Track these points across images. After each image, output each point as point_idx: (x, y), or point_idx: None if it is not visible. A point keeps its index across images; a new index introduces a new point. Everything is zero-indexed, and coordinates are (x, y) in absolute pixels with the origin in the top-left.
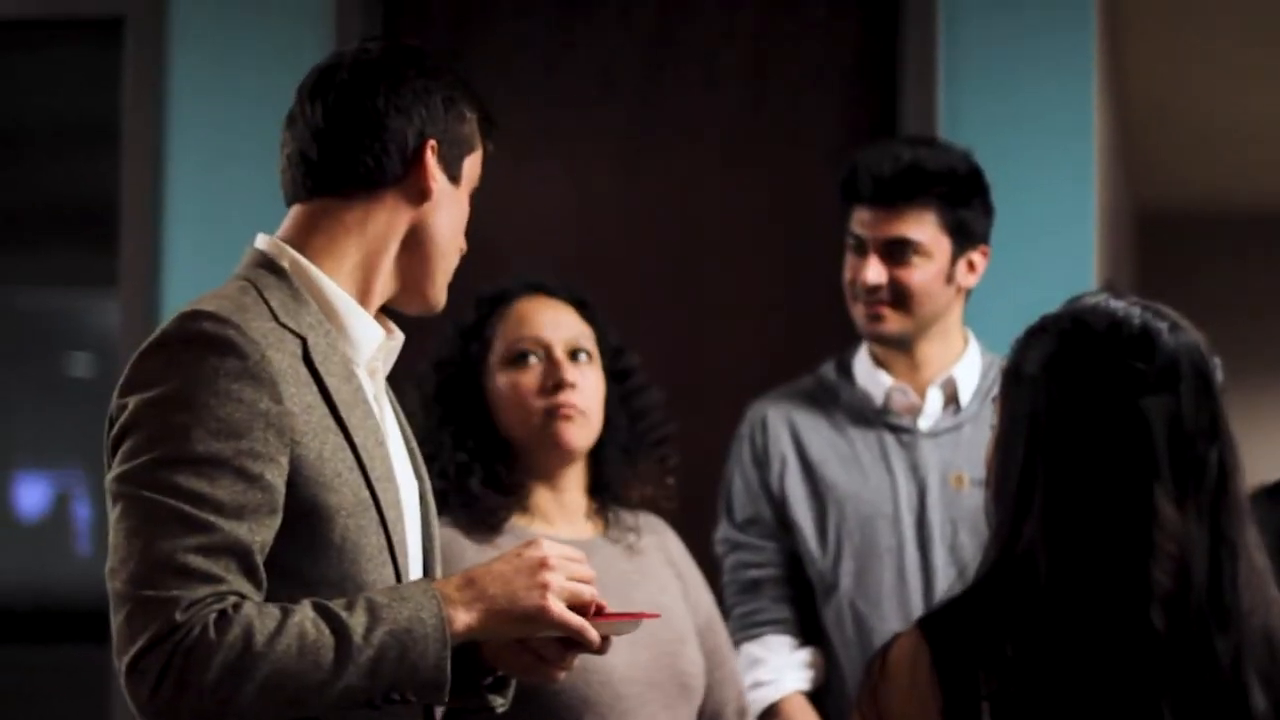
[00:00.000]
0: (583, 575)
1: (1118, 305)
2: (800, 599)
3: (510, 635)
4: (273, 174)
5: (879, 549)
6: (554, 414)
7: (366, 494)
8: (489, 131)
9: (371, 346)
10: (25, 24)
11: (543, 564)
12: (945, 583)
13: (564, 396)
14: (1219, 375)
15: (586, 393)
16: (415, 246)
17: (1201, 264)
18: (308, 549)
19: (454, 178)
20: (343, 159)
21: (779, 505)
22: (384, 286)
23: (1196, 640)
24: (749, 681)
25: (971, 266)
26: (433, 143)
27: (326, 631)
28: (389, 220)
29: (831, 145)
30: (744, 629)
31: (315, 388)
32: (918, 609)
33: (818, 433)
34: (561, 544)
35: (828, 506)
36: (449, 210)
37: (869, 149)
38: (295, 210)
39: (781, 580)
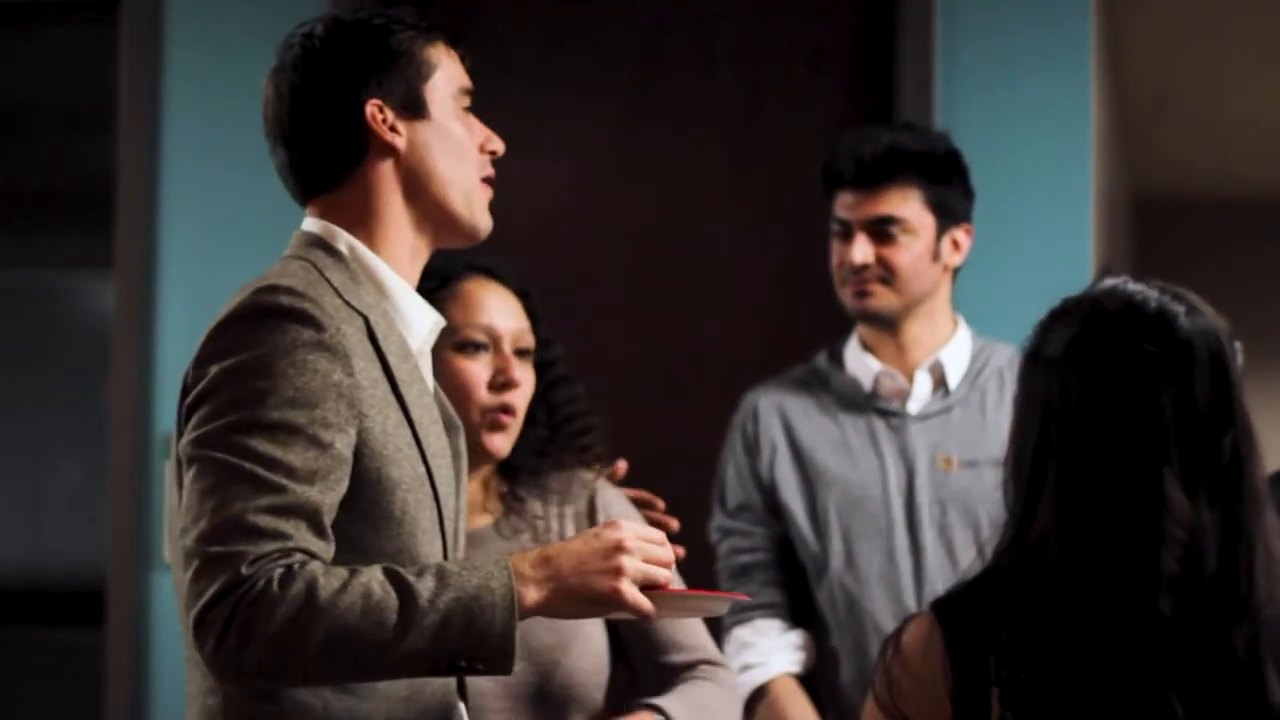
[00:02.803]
0: (659, 558)
1: (1136, 288)
2: (792, 583)
3: (578, 615)
4: (268, 156)
5: (869, 531)
6: (492, 417)
7: (423, 469)
8: (446, 38)
9: (426, 327)
10: (21, 4)
11: (619, 547)
12: (935, 563)
13: (509, 397)
14: (1239, 360)
15: (525, 392)
16: (419, 192)
17: (1200, 250)
18: (369, 520)
19: (417, 115)
20: (321, 165)
21: (769, 491)
22: (414, 248)
23: (1208, 629)
24: (738, 665)
25: (956, 245)
26: (371, 106)
27: (392, 593)
28: (379, 186)
29: (828, 131)
30: (734, 613)
31: (379, 364)
32: (908, 590)
33: (808, 419)
34: (640, 525)
35: (818, 490)
36: (436, 141)
37: (847, 136)
38: (310, 207)
39: (771, 565)
